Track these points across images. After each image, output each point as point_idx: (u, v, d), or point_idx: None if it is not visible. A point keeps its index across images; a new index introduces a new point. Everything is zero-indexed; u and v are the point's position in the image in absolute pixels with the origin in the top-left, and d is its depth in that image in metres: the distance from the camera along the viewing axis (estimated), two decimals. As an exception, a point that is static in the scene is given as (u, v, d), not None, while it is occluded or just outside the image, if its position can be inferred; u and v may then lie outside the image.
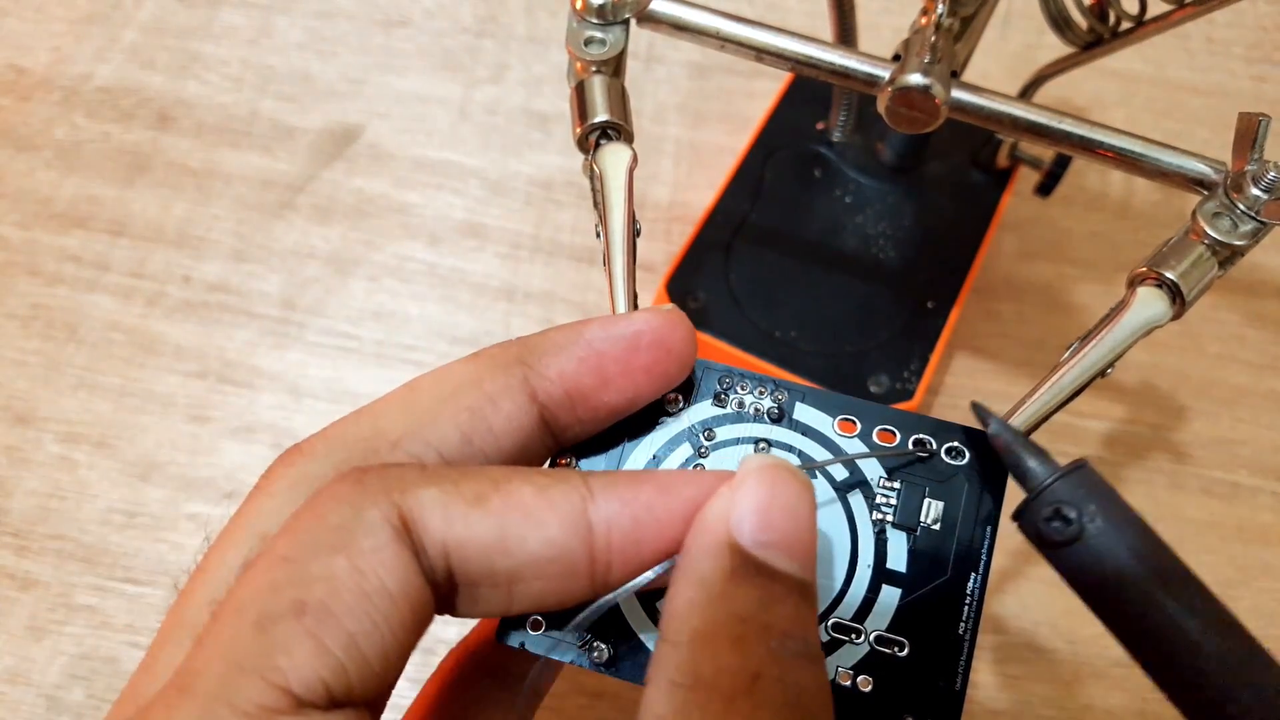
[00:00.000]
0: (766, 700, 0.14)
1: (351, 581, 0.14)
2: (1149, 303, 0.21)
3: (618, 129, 0.24)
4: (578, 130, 0.24)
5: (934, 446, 0.19)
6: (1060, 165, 0.38)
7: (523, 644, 0.19)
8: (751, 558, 0.15)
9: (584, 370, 0.18)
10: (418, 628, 0.15)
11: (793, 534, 0.16)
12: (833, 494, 0.19)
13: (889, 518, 0.19)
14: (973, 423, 0.19)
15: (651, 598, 0.19)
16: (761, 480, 0.16)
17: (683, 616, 0.15)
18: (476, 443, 0.18)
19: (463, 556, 0.16)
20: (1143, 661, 0.16)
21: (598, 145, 0.23)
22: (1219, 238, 0.22)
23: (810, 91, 0.41)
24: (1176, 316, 0.21)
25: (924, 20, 0.26)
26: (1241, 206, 0.22)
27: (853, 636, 0.18)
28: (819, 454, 0.20)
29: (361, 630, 0.14)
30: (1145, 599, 0.16)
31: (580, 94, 0.24)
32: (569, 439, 0.19)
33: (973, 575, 0.19)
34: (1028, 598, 0.37)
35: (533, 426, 0.18)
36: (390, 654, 0.15)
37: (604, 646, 0.19)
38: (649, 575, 0.17)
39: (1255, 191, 0.22)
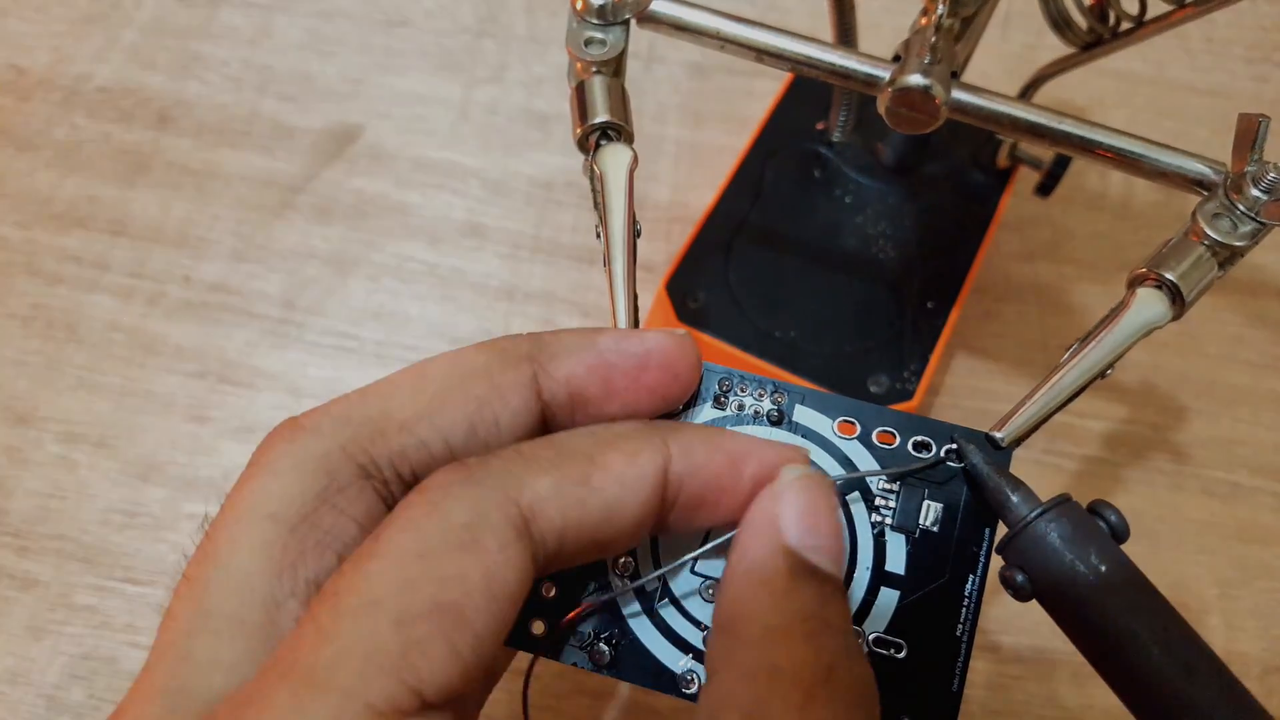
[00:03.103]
0: (841, 690, 0.15)
1: (482, 584, 0.15)
2: (1149, 303, 0.21)
3: (618, 129, 0.24)
4: (578, 131, 0.24)
5: (934, 448, 0.19)
6: (1060, 165, 0.38)
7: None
8: (805, 560, 0.16)
9: (591, 378, 0.18)
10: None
11: (831, 539, 0.17)
12: None
13: (888, 520, 0.19)
14: (975, 425, 0.19)
15: (652, 599, 0.19)
16: (804, 488, 0.17)
17: (751, 613, 0.16)
18: (481, 433, 0.18)
19: (575, 537, 0.16)
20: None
21: (598, 146, 0.23)
22: (1219, 239, 0.22)
23: (810, 91, 0.41)
24: (1176, 317, 0.22)
25: (924, 20, 0.26)
26: (1241, 207, 0.22)
27: (852, 638, 0.18)
28: (818, 456, 0.20)
29: (488, 633, 0.15)
30: (1105, 650, 0.18)
31: (580, 94, 0.24)
32: None
33: (970, 577, 0.19)
34: (1027, 598, 0.37)
35: (534, 424, 0.18)
36: (500, 652, 0.15)
37: (605, 648, 0.19)
38: (668, 568, 0.18)
39: (1255, 192, 0.22)
